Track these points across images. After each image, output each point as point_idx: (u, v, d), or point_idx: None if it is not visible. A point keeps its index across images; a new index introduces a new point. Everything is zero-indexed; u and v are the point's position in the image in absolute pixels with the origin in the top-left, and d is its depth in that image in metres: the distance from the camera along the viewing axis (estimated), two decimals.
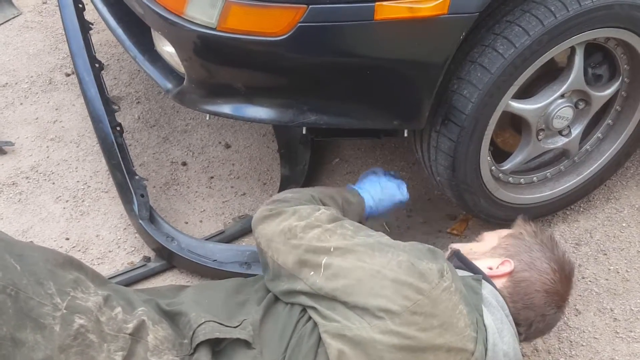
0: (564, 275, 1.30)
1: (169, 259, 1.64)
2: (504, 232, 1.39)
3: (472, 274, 1.27)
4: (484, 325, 1.19)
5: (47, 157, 1.99)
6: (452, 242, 1.48)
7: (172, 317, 1.19)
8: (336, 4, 1.29)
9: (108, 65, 2.31)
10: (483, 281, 1.24)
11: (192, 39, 1.37)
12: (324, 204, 1.34)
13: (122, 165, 1.72)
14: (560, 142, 1.64)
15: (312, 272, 1.18)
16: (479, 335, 1.16)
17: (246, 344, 1.15)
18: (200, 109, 1.50)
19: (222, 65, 1.42)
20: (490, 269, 1.29)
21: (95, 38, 2.40)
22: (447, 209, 1.83)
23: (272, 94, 1.43)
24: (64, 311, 1.05)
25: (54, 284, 1.06)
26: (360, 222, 1.37)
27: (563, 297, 1.31)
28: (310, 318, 1.18)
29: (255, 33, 1.32)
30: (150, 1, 1.43)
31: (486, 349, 1.17)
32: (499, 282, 1.27)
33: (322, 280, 1.17)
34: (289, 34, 1.29)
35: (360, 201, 1.47)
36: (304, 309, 1.19)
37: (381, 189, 1.51)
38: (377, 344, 1.10)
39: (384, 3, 1.28)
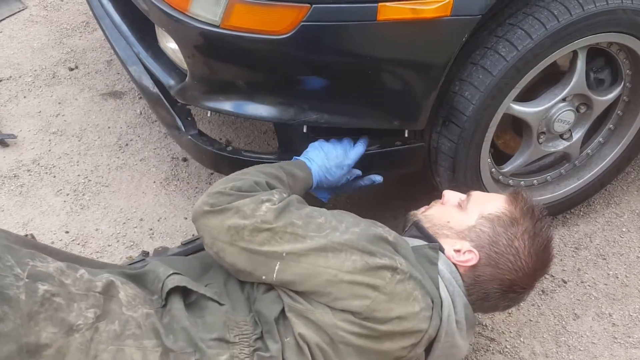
0: (529, 274, 1.26)
1: (228, 165, 1.54)
2: (487, 208, 1.29)
3: (428, 243, 1.27)
4: (440, 298, 1.21)
5: (49, 150, 2.00)
6: (413, 210, 1.40)
7: (137, 279, 1.21)
8: (339, 3, 1.29)
9: (112, 60, 2.31)
10: (440, 252, 1.25)
11: (195, 36, 1.37)
12: (269, 187, 1.29)
13: (162, 96, 1.62)
14: (561, 145, 1.64)
15: (264, 277, 1.19)
16: (434, 311, 1.20)
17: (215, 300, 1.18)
18: (201, 106, 1.50)
19: (224, 63, 1.42)
20: (458, 252, 1.26)
21: (99, 33, 2.42)
22: None
23: (273, 92, 1.43)
24: (26, 280, 1.05)
25: (11, 257, 1.07)
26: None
27: (524, 291, 1.29)
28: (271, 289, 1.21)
29: (258, 31, 1.32)
30: None
31: (441, 320, 1.21)
32: (460, 269, 1.26)
33: (278, 282, 1.19)
34: (291, 32, 1.29)
35: (306, 175, 1.43)
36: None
37: (325, 155, 1.44)
38: (339, 329, 1.15)
39: (387, 4, 1.28)
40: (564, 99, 1.56)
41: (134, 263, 1.63)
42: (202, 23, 1.35)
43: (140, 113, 2.13)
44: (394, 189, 1.81)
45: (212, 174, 1.93)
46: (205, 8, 1.34)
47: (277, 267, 1.17)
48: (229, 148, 1.55)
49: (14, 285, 1.04)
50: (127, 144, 2.02)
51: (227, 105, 1.46)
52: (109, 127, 2.07)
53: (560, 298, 1.63)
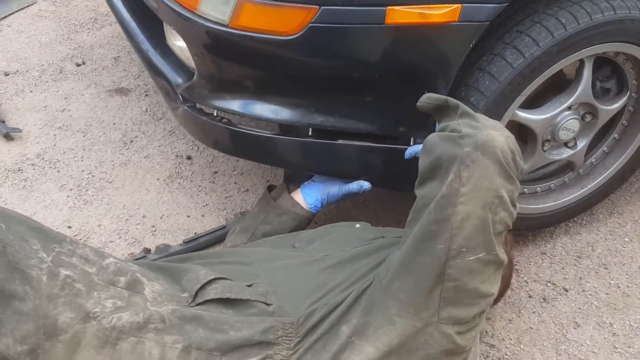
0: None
1: (223, 137, 1.52)
2: None
3: None
4: None
5: (54, 145, 2.00)
6: None
7: (173, 273, 1.20)
8: (348, 6, 1.29)
9: (119, 57, 2.32)
10: None
11: (203, 35, 1.38)
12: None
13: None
14: (565, 153, 1.64)
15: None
16: None
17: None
18: (208, 105, 1.50)
19: (232, 62, 1.42)
20: None
21: (107, 30, 2.43)
22: None
23: (280, 93, 1.43)
24: (50, 264, 1.07)
25: (38, 241, 1.09)
26: (300, 222, 1.50)
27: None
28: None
29: (266, 31, 1.32)
30: None
31: None
32: None
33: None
34: (299, 33, 1.29)
35: (289, 208, 1.51)
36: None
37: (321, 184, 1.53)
38: None
39: (396, 7, 1.28)
40: (569, 107, 1.56)
41: (134, 260, 1.64)
42: (210, 22, 1.35)
43: (146, 110, 2.13)
44: (398, 194, 1.81)
45: (215, 172, 1.94)
46: (214, 7, 1.35)
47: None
48: (224, 120, 1.51)
49: (37, 267, 1.06)
50: (131, 141, 2.02)
51: (233, 105, 1.46)
52: (114, 124, 2.08)
53: (562, 306, 1.63)
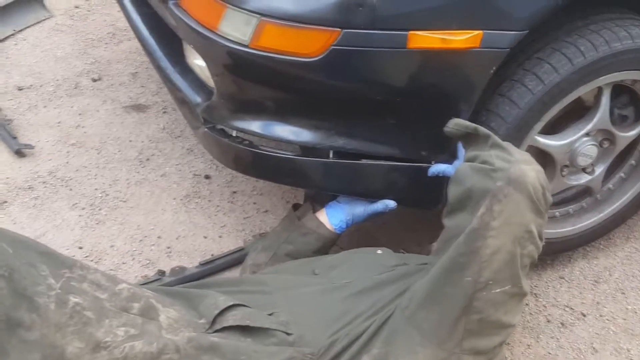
0: None
1: (246, 159, 1.50)
2: None
3: None
4: None
5: (67, 162, 1.98)
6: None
7: (190, 299, 1.17)
8: (370, 29, 1.29)
9: (137, 73, 2.32)
10: None
11: (224, 55, 1.38)
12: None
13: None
14: (583, 179, 1.64)
15: None
16: None
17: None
18: (228, 125, 1.49)
19: (252, 83, 1.42)
20: None
21: (125, 45, 2.44)
22: None
23: (301, 115, 1.43)
24: (58, 290, 1.04)
25: (47, 267, 1.06)
26: (324, 243, 1.48)
27: None
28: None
29: (287, 53, 1.32)
30: (184, 14, 1.45)
31: None
32: None
33: None
34: (321, 56, 1.29)
35: (313, 228, 1.49)
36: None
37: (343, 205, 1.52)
38: None
39: (418, 32, 1.29)
40: (587, 134, 1.56)
41: (148, 282, 1.61)
42: (231, 42, 1.35)
43: (164, 128, 2.12)
44: (418, 214, 1.79)
45: (234, 192, 1.92)
46: (235, 27, 1.35)
47: None
48: (246, 142, 1.50)
49: (45, 294, 1.02)
50: (148, 159, 2.01)
51: (253, 126, 1.45)
52: (130, 141, 2.06)
53: (579, 331, 1.62)
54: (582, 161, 1.58)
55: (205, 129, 1.52)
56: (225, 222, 1.83)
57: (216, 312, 1.12)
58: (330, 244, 1.54)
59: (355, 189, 1.54)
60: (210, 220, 1.83)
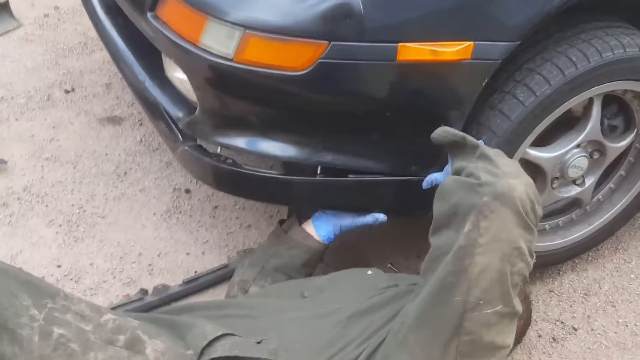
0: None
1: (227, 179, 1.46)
2: None
3: None
4: None
5: (42, 177, 1.92)
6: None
7: (176, 328, 1.13)
8: (358, 42, 1.25)
9: (110, 83, 2.25)
10: None
11: (206, 69, 1.33)
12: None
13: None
14: (573, 191, 1.63)
15: None
16: None
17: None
18: (211, 141, 1.44)
19: (237, 98, 1.37)
20: None
21: (97, 55, 2.36)
22: None
23: (288, 130, 1.38)
24: (42, 322, 1.00)
25: (28, 297, 1.02)
26: (312, 255, 1.45)
27: None
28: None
29: (273, 67, 1.28)
30: (163, 26, 1.39)
31: None
32: None
33: None
34: (308, 69, 1.25)
35: (300, 240, 1.46)
36: None
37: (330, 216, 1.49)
38: None
39: (407, 44, 1.26)
40: (578, 145, 1.54)
41: (130, 302, 1.56)
42: (214, 55, 1.30)
43: (141, 140, 2.06)
44: (404, 227, 1.77)
45: (216, 207, 1.87)
46: (217, 40, 1.30)
47: None
48: (229, 161, 1.45)
49: (28, 326, 0.98)
50: (125, 173, 1.94)
51: (238, 142, 1.40)
52: (106, 154, 2.00)
53: (571, 346, 1.60)
54: (573, 173, 1.57)
55: (185, 148, 1.46)
56: (208, 237, 1.78)
57: (204, 342, 1.09)
58: (319, 255, 1.52)
59: (343, 204, 1.51)
60: (192, 236, 1.78)
